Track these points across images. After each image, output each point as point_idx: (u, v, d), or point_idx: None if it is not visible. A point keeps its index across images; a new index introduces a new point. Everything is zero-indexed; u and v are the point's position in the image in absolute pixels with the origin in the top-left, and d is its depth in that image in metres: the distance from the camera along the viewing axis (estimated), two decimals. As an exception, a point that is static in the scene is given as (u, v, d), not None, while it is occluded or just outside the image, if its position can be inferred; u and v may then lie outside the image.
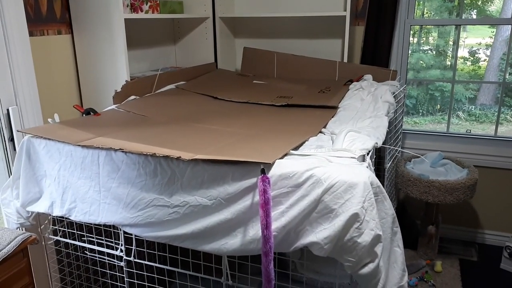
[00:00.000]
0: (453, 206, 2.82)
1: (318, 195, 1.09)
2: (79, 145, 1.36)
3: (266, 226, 1.07)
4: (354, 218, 1.05)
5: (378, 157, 2.32)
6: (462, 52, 4.32)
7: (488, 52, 4.08)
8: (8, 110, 1.68)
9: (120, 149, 1.29)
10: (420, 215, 2.55)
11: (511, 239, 2.58)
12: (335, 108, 1.92)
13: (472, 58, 4.42)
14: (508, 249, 2.50)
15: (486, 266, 2.61)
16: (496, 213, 2.78)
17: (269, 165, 1.14)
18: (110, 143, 1.33)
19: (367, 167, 1.15)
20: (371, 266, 1.07)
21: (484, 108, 4.20)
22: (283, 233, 1.13)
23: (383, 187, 2.21)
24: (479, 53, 4.37)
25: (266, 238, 1.08)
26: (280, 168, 1.14)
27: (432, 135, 2.86)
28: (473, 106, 4.26)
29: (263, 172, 1.08)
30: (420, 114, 4.23)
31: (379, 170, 2.24)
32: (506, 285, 2.44)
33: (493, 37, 3.78)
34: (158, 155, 1.22)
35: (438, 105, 4.15)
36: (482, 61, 4.32)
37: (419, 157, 2.52)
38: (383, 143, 2.17)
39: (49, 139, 1.42)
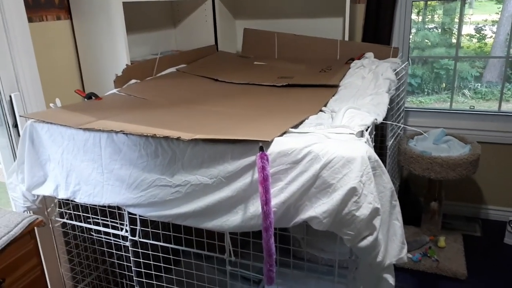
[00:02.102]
0: (456, 182, 2.83)
1: (317, 171, 1.10)
2: (80, 128, 1.37)
3: (265, 202, 1.09)
4: (352, 192, 1.06)
5: (381, 135, 2.33)
6: (468, 29, 4.24)
7: (494, 29, 4.01)
8: (10, 96, 1.70)
9: (121, 131, 1.30)
10: (423, 192, 2.56)
11: (514, 214, 2.59)
12: (336, 86, 1.92)
13: (478, 35, 4.35)
14: (512, 223, 2.51)
15: (489, 241, 2.63)
16: (499, 188, 2.78)
17: (268, 143, 1.15)
18: (111, 126, 1.34)
19: (365, 142, 1.16)
20: (369, 239, 1.09)
21: (490, 85, 4.15)
22: (282, 209, 1.15)
23: (385, 165, 2.22)
24: (485, 30, 4.30)
25: (266, 214, 1.10)
26: (279, 145, 1.15)
27: (435, 112, 2.85)
28: (479, 84, 4.21)
29: (262, 149, 1.10)
30: (426, 93, 4.19)
31: (381, 148, 2.25)
32: (509, 259, 2.45)
33: (500, 13, 3.71)
34: (158, 136, 1.24)
35: (444, 84, 4.11)
36: (489, 37, 4.25)
37: (422, 134, 2.52)
38: (385, 120, 2.17)
39: (51, 123, 1.44)
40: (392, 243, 1.17)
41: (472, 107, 2.86)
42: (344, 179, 1.07)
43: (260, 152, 1.08)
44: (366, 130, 1.28)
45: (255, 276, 1.79)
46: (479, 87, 4.23)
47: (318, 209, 1.10)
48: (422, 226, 2.60)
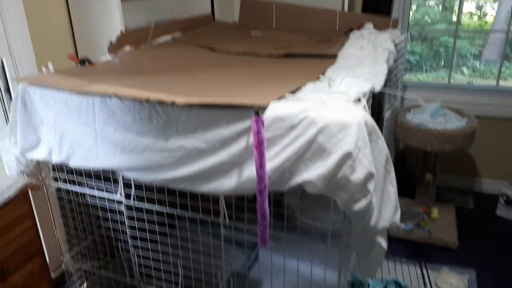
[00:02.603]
0: (451, 155, 2.84)
1: (312, 136, 1.09)
2: (74, 92, 1.35)
3: (260, 165, 1.09)
4: (347, 156, 1.06)
5: (378, 108, 2.31)
6: (469, 7, 4.17)
7: (495, 6, 3.95)
8: (2, 60, 1.67)
9: (114, 95, 1.29)
10: (418, 164, 2.57)
11: (507, 186, 2.61)
12: (334, 57, 1.89)
13: (479, 13, 4.29)
14: (504, 196, 2.53)
15: (482, 213, 2.66)
16: (493, 162, 2.80)
17: (264, 108, 1.14)
18: (104, 90, 1.32)
19: (362, 108, 1.15)
20: (363, 202, 1.09)
21: (489, 64, 4.12)
22: (277, 173, 1.15)
23: (382, 136, 2.21)
24: (487, 7, 4.23)
25: (260, 177, 1.10)
26: (275, 110, 1.14)
27: (433, 87, 2.83)
28: (478, 62, 4.18)
29: (257, 113, 1.08)
30: (424, 70, 4.16)
31: (378, 120, 2.24)
32: (501, 230, 2.49)
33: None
34: (152, 100, 1.22)
35: (442, 62, 4.07)
36: (490, 16, 4.19)
37: (419, 106, 2.51)
38: (382, 92, 2.15)
39: (44, 87, 1.41)
40: (385, 208, 1.18)
41: (470, 82, 2.84)
42: (340, 144, 1.07)
43: (256, 116, 1.07)
44: (364, 97, 1.26)
45: (250, 240, 1.82)
46: (477, 65, 4.20)
47: (312, 173, 1.10)
48: (416, 198, 2.63)
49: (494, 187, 2.82)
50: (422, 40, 3.63)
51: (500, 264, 2.21)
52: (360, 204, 1.09)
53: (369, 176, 1.07)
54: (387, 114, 2.19)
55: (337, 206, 1.21)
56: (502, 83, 2.72)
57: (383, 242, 1.19)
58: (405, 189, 2.77)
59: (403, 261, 2.22)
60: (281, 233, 1.32)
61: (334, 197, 1.12)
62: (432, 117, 2.41)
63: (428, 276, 2.11)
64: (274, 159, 1.14)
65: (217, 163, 1.21)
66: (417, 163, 2.70)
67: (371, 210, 1.12)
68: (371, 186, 1.08)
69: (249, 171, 1.18)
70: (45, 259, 1.54)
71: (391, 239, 2.41)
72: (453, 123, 2.32)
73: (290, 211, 2.11)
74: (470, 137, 2.24)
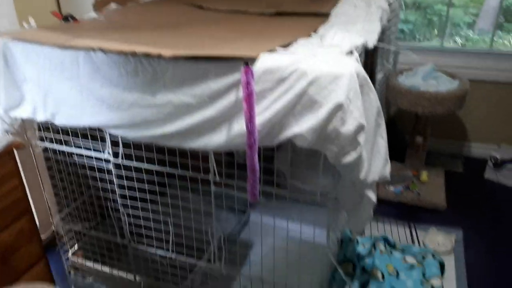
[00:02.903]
0: (442, 120, 2.84)
1: (303, 88, 1.07)
2: (57, 47, 1.30)
3: (249, 119, 1.07)
4: (338, 108, 1.04)
5: (370, 70, 2.28)
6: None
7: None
8: (-20, 15, 1.60)
9: (99, 49, 1.24)
10: (409, 129, 2.58)
11: (496, 150, 2.64)
12: (327, 15, 1.84)
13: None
14: (493, 159, 2.56)
15: (470, 176, 2.70)
16: (484, 126, 2.82)
17: (253, 60, 1.11)
18: (89, 44, 1.27)
19: (354, 60, 1.12)
20: (353, 154, 1.08)
21: (482, 33, 4.07)
22: (267, 127, 1.13)
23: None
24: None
25: (250, 131, 1.08)
26: (265, 62, 1.11)
27: (426, 50, 2.80)
28: (471, 32, 4.12)
29: (246, 64, 1.05)
30: (417, 40, 4.11)
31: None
32: (488, 193, 2.54)
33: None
34: (138, 53, 1.18)
35: (436, 30, 4.01)
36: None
37: (411, 69, 2.48)
38: (375, 53, 2.12)
39: (26, 41, 1.36)
40: (375, 161, 1.17)
41: (463, 45, 2.81)
42: (331, 96, 1.04)
43: (245, 66, 1.04)
44: (356, 50, 1.23)
45: (240, 197, 1.83)
46: (471, 34, 4.15)
47: (303, 126, 1.08)
48: (406, 162, 2.64)
49: (483, 151, 2.84)
50: (416, 8, 3.56)
51: (486, 224, 2.26)
52: (350, 157, 1.09)
53: (360, 128, 1.06)
54: (379, 76, 2.16)
55: (326, 169, 1.21)
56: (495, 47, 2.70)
57: (372, 196, 1.19)
58: (396, 154, 2.78)
59: (392, 222, 2.26)
60: (271, 188, 1.31)
61: (324, 151, 1.11)
62: (424, 79, 2.40)
63: (417, 235, 2.15)
64: (264, 113, 1.11)
65: (206, 118, 1.18)
66: (407, 128, 2.70)
67: (361, 164, 1.12)
68: (361, 138, 1.07)
69: (239, 125, 1.16)
70: (34, 218, 1.53)
71: (380, 202, 2.43)
72: (445, 85, 2.31)
73: (281, 176, 2.13)
74: (462, 99, 2.23)
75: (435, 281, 1.41)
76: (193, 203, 1.54)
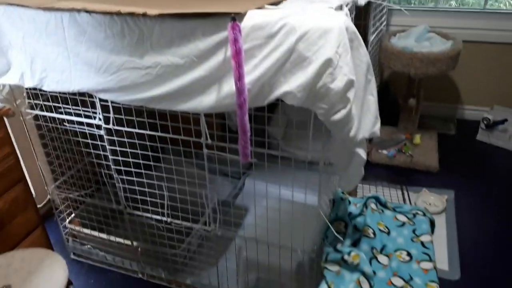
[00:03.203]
0: (436, 82, 2.83)
1: (292, 44, 1.05)
2: (40, 9, 1.27)
3: (238, 77, 1.05)
4: (328, 63, 1.03)
5: (364, 31, 2.25)
6: None
7: None
8: (-40, -19, 1.55)
9: (83, 10, 1.21)
10: (403, 93, 2.57)
11: (489, 111, 2.64)
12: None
13: None
14: (485, 120, 2.57)
15: (463, 138, 2.72)
16: (477, 88, 2.81)
17: (241, 16, 1.08)
18: (72, 5, 1.24)
19: (344, 14, 1.10)
20: (343, 112, 1.08)
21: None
22: (257, 86, 1.12)
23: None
24: None
25: (239, 90, 1.07)
26: (253, 19, 1.09)
27: (420, 11, 2.76)
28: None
29: (234, 19, 1.03)
30: (411, 4, 4.03)
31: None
32: (480, 154, 2.56)
33: None
34: (123, 13, 1.15)
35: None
36: None
37: (404, 31, 2.45)
38: (367, 14, 2.08)
39: (8, 4, 1.32)
40: (365, 118, 1.17)
41: (457, 5, 2.77)
42: (320, 51, 1.03)
43: (232, 22, 1.02)
44: (346, 6, 1.21)
45: (235, 163, 1.84)
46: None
47: (292, 83, 1.08)
48: (399, 125, 2.65)
49: (477, 114, 2.85)
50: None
51: (478, 184, 2.30)
52: (340, 114, 1.08)
53: (349, 84, 1.05)
54: (372, 37, 2.14)
55: (317, 132, 1.21)
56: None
57: (362, 153, 1.20)
58: (389, 117, 2.79)
59: (385, 185, 2.29)
60: (263, 149, 1.32)
61: (314, 109, 1.11)
62: (417, 41, 2.37)
63: (409, 197, 2.19)
64: (253, 72, 1.10)
65: (195, 79, 1.17)
66: (401, 92, 2.69)
67: (351, 121, 1.12)
68: (351, 94, 1.07)
69: (228, 86, 1.15)
70: (28, 187, 1.53)
71: (373, 165, 2.46)
72: (438, 46, 2.29)
73: (274, 141, 2.13)
74: (454, 59, 2.22)
75: (425, 238, 1.44)
76: (187, 168, 1.55)
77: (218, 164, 1.45)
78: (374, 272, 1.32)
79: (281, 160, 1.35)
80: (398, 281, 1.28)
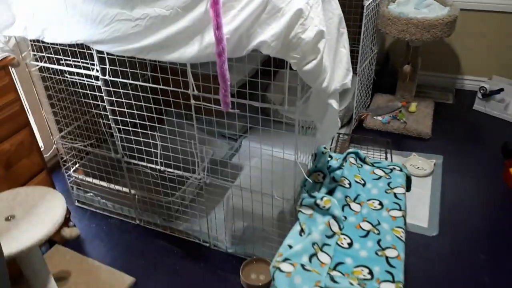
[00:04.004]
0: (435, 52, 2.85)
1: (267, -5, 1.13)
2: (40, -37, 1.36)
3: (217, 26, 1.14)
4: (299, 14, 1.10)
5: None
6: None
7: None
8: None
9: (79, -36, 1.30)
10: (401, 61, 2.60)
11: (487, 81, 2.66)
12: None
13: None
14: (482, 89, 2.59)
15: (459, 107, 2.75)
16: (477, 58, 2.82)
17: (221, -31, 1.15)
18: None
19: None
20: (314, 62, 1.15)
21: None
22: (236, 37, 1.20)
23: (362, 26, 2.21)
24: None
25: (218, 39, 1.15)
26: (232, -29, 1.16)
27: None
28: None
29: (212, -29, 1.10)
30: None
31: (359, 11, 2.22)
32: (474, 122, 2.60)
33: None
34: (115, -34, 1.24)
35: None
36: None
37: (404, -2, 2.46)
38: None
39: (11, -40, 1.42)
40: (337, 70, 1.25)
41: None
42: (292, 2, 1.10)
43: (210, -26, 1.10)
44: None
45: (230, 133, 1.95)
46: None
47: (267, 33, 1.15)
48: (396, 93, 2.69)
49: (475, 84, 2.86)
50: None
51: (467, 151, 2.35)
52: (312, 64, 1.16)
53: (320, 35, 1.12)
54: (368, 1, 2.16)
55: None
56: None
57: (334, 104, 1.28)
58: (388, 86, 2.83)
59: (370, 148, 2.33)
60: (244, 100, 1.40)
61: (287, 59, 1.18)
62: (417, 7, 2.39)
63: (391, 159, 2.24)
64: (232, 22, 1.18)
65: (180, 30, 1.25)
66: (400, 62, 2.72)
67: (324, 72, 1.19)
68: (321, 45, 1.14)
69: (209, 36, 1.23)
70: (33, 133, 1.66)
71: (367, 130, 2.52)
72: (436, 12, 2.30)
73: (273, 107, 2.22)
74: (450, 26, 2.23)
75: (399, 190, 1.52)
76: (179, 126, 1.66)
77: (217, 127, 1.56)
78: (345, 217, 1.41)
79: (277, 124, 1.45)
80: (366, 225, 1.38)
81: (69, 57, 1.63)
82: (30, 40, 1.67)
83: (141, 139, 1.68)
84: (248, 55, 1.25)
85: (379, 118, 2.55)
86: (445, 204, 1.99)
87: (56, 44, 1.67)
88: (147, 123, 1.64)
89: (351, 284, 1.16)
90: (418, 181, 2.12)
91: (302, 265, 1.19)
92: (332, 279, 1.18)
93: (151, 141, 1.68)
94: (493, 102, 2.59)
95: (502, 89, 2.53)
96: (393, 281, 1.18)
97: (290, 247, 1.27)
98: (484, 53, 2.77)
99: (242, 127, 2.37)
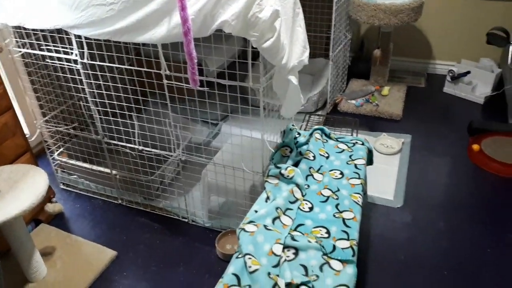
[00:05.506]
0: (407, 38, 2.96)
1: (227, -21, 1.23)
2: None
3: (182, 8, 1.24)
4: (255, -6, 1.21)
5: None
6: None
7: None
8: None
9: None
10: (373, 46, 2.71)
11: (456, 65, 2.78)
12: None
13: None
14: (451, 72, 2.72)
15: (431, 90, 2.87)
16: (446, 43, 2.94)
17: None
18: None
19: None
20: (272, 40, 1.26)
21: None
22: (200, 17, 1.30)
23: (333, 13, 2.32)
24: None
25: (183, 19, 1.25)
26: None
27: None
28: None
29: (176, -43, 1.20)
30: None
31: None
32: (443, 104, 2.72)
33: None
34: (88, -46, 1.33)
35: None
36: None
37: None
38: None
39: (-9, -50, 1.51)
40: (295, 48, 1.35)
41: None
42: (250, -16, 1.21)
43: (174, -42, 1.19)
44: None
45: (213, 120, 2.08)
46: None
47: (228, 13, 1.25)
48: (370, 78, 2.81)
49: (446, 68, 2.98)
50: None
51: (435, 130, 2.47)
52: (270, 42, 1.26)
53: (275, 14, 1.23)
54: (338, -10, 2.27)
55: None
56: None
57: (293, 80, 1.38)
58: (363, 72, 2.94)
59: (349, 131, 2.45)
60: (214, 79, 1.50)
61: (247, 37, 1.28)
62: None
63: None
64: (196, 3, 1.28)
65: (150, 12, 1.35)
66: (374, 48, 2.83)
67: (282, 50, 1.30)
68: (277, 24, 1.24)
69: (176, 17, 1.32)
70: (17, 116, 1.75)
71: (341, 113, 2.64)
72: (404, -1, 2.41)
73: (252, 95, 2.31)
74: (417, 11, 2.34)
75: (359, 161, 1.64)
76: (155, 108, 1.76)
77: (200, 113, 1.66)
78: (308, 186, 1.53)
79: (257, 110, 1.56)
80: (326, 192, 1.49)
81: (50, 43, 1.72)
82: (12, 27, 1.76)
83: (120, 119, 1.78)
84: (227, 41, 1.34)
85: (353, 101, 2.66)
86: (411, 178, 2.11)
87: (38, 30, 1.76)
88: (124, 104, 1.74)
89: (309, 241, 1.27)
90: (387, 158, 2.24)
91: (265, 226, 1.30)
92: (293, 238, 1.29)
93: (129, 121, 1.78)
94: (462, 84, 2.72)
95: (468, 72, 2.65)
96: (348, 239, 1.30)
97: (256, 212, 1.38)
98: (453, 38, 2.89)
99: (223, 112, 2.48)
